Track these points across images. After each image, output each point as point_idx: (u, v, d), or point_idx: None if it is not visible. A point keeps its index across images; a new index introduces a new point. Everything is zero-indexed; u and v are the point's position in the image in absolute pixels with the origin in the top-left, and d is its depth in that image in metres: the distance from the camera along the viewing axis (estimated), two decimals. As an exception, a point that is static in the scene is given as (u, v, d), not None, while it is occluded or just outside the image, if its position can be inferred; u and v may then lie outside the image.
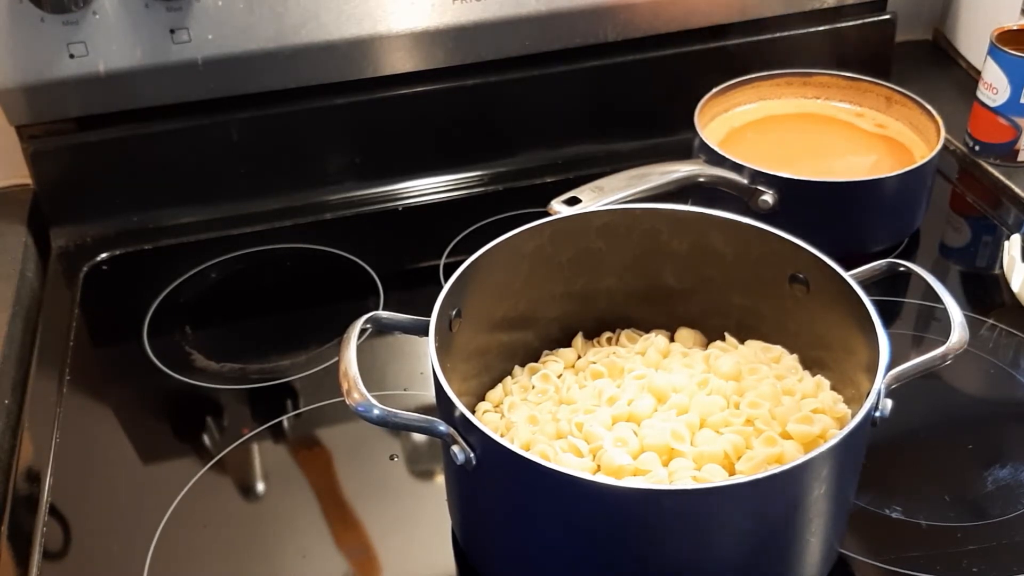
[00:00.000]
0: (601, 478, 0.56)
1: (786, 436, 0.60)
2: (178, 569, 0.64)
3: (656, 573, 0.54)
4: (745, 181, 0.82)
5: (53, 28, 0.83)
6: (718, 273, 0.68)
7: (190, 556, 0.65)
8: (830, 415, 0.62)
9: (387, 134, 0.97)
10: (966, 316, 0.59)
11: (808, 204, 0.82)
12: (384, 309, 0.80)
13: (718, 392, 0.63)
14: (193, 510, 0.67)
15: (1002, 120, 0.94)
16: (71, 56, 0.84)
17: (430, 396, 0.63)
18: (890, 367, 0.55)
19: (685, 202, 0.72)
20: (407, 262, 0.91)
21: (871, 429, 0.55)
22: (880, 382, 0.54)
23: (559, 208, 0.74)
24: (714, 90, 0.91)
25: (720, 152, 0.83)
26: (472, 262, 0.62)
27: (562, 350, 0.70)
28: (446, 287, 0.60)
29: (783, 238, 0.63)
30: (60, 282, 0.89)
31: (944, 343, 0.57)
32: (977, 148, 0.97)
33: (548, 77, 0.97)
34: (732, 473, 0.58)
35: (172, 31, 0.86)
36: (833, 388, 0.64)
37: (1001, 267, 0.85)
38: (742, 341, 0.69)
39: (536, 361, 0.70)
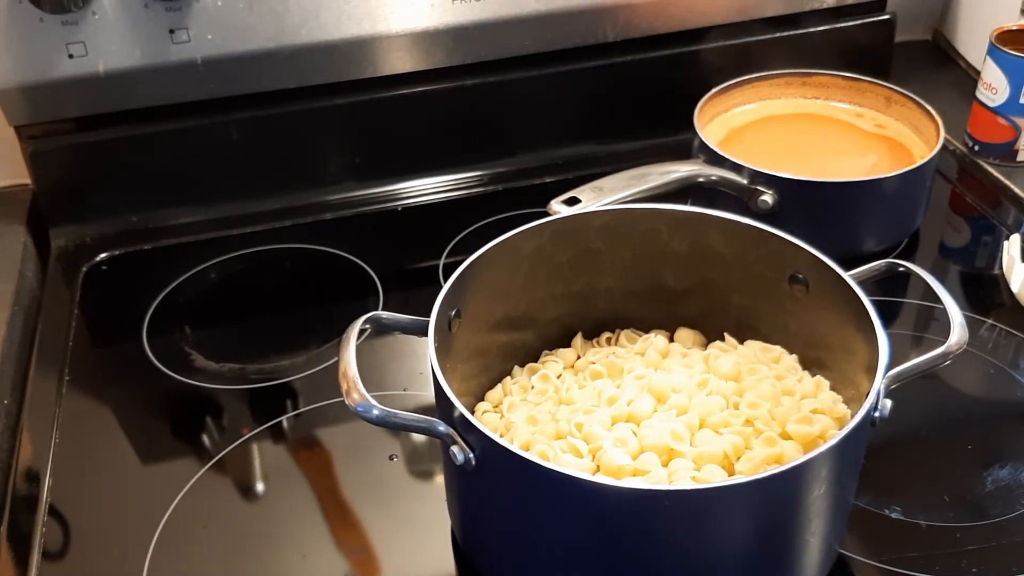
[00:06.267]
0: (601, 478, 0.56)
1: (786, 436, 0.60)
2: (178, 569, 0.64)
3: (655, 573, 0.54)
4: (745, 181, 0.82)
5: (52, 28, 0.83)
6: (718, 273, 0.68)
7: (190, 556, 0.65)
8: (830, 415, 0.61)
9: (387, 134, 0.97)
10: (966, 316, 0.59)
11: (808, 204, 0.82)
12: (384, 309, 0.80)
13: (718, 392, 0.63)
14: (193, 510, 0.67)
15: (1002, 120, 0.94)
16: (70, 56, 0.84)
17: (430, 396, 0.63)
18: (890, 367, 0.55)
19: (685, 202, 0.72)
20: (407, 262, 0.91)
21: (871, 429, 0.55)
22: (880, 382, 0.54)
23: (559, 208, 0.74)
24: (714, 90, 0.91)
25: (720, 152, 0.82)
26: (472, 262, 0.62)
27: (562, 350, 0.70)
28: (446, 287, 0.60)
29: (783, 238, 0.63)
30: (60, 282, 0.89)
31: (944, 343, 0.57)
32: (977, 148, 0.97)
33: (548, 77, 0.97)
34: (732, 473, 0.58)
35: (171, 31, 0.86)
36: (833, 388, 0.64)
37: (1001, 267, 0.85)
38: (742, 341, 0.69)
39: (536, 361, 0.70)
